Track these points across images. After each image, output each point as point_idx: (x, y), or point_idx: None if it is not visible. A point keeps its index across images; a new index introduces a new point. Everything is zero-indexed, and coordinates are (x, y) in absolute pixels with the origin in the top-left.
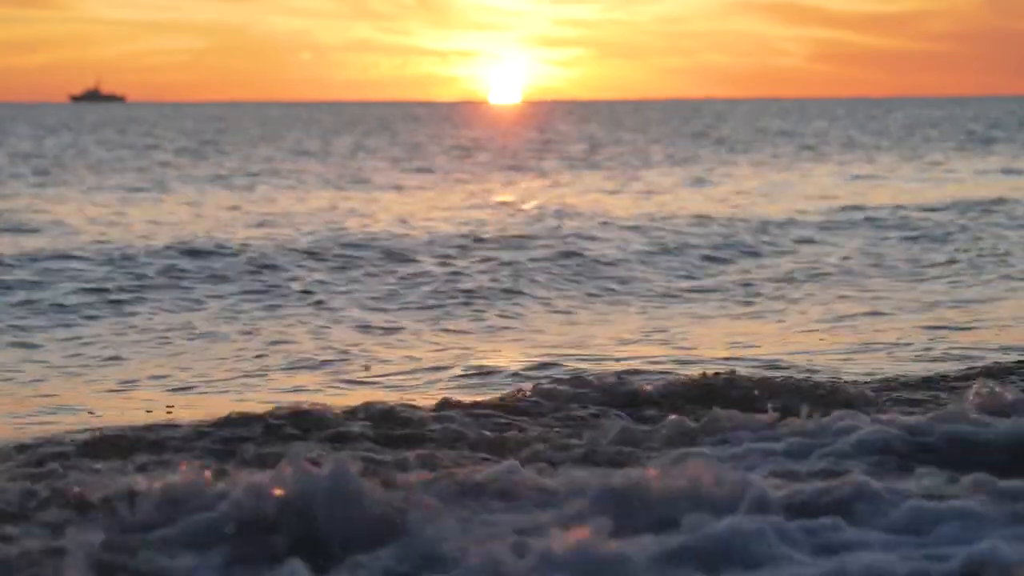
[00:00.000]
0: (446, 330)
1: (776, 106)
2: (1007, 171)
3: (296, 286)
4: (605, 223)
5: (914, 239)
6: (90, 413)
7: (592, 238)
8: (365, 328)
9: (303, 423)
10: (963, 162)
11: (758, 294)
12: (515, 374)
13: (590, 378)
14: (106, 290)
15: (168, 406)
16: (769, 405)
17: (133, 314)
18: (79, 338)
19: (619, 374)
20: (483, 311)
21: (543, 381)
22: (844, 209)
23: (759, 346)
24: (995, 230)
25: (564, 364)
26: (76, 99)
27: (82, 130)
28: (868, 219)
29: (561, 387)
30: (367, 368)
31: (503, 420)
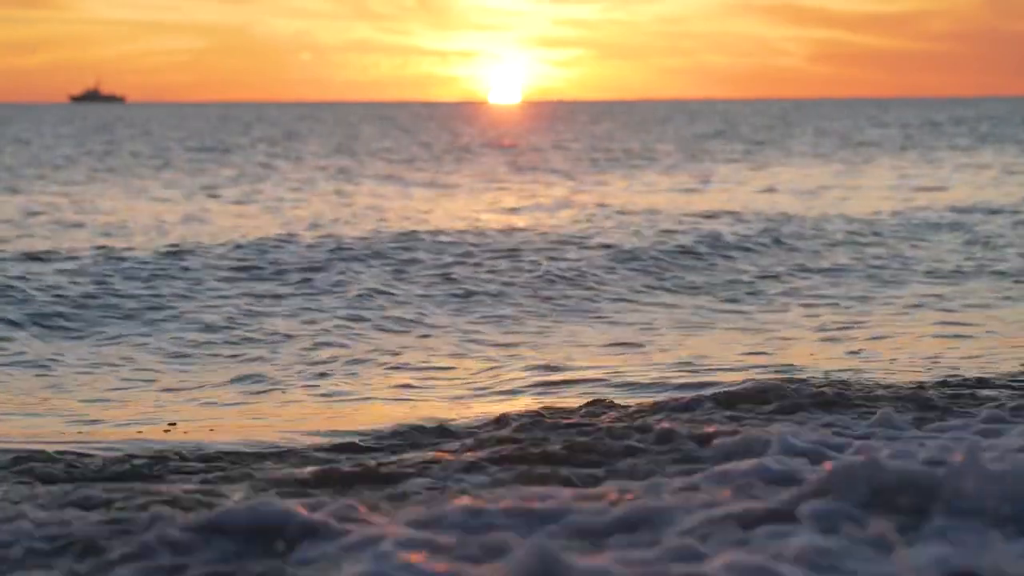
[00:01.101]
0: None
1: (778, 106)
2: (1010, 171)
3: (353, 287)
4: (655, 221)
5: (946, 240)
6: (79, 433)
7: (645, 237)
8: (434, 332)
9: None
10: (987, 161)
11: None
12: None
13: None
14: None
15: (170, 423)
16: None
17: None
18: (102, 335)
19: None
20: (527, 313)
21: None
22: (890, 211)
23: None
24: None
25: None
26: (76, 99)
27: (99, 130)
28: (898, 221)
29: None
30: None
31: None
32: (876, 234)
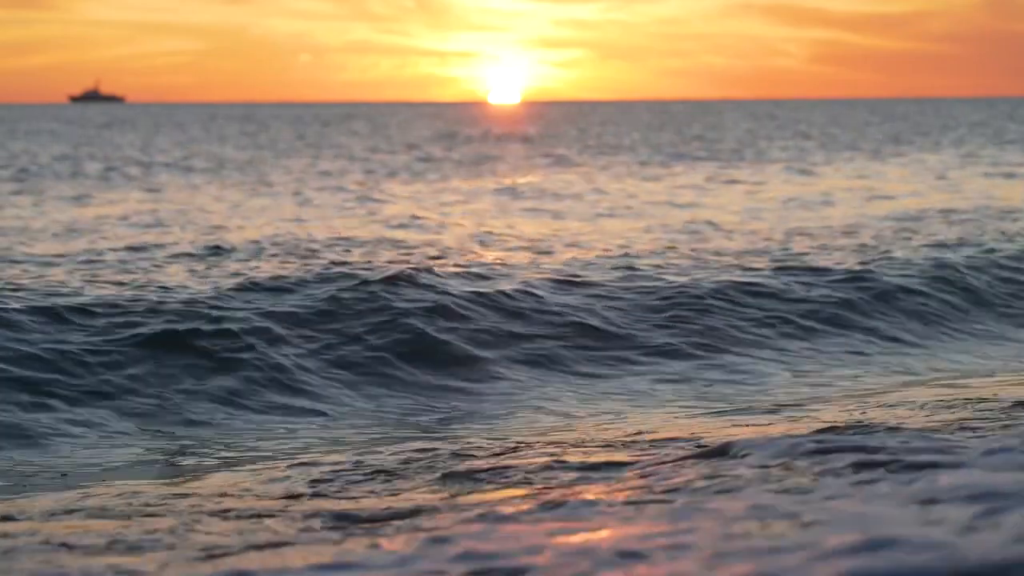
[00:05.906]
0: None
1: (784, 106)
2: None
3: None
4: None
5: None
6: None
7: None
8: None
9: None
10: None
11: None
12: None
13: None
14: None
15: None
16: None
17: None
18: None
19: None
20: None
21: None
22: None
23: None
24: None
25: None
26: (75, 100)
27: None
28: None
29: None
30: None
31: None
32: None
